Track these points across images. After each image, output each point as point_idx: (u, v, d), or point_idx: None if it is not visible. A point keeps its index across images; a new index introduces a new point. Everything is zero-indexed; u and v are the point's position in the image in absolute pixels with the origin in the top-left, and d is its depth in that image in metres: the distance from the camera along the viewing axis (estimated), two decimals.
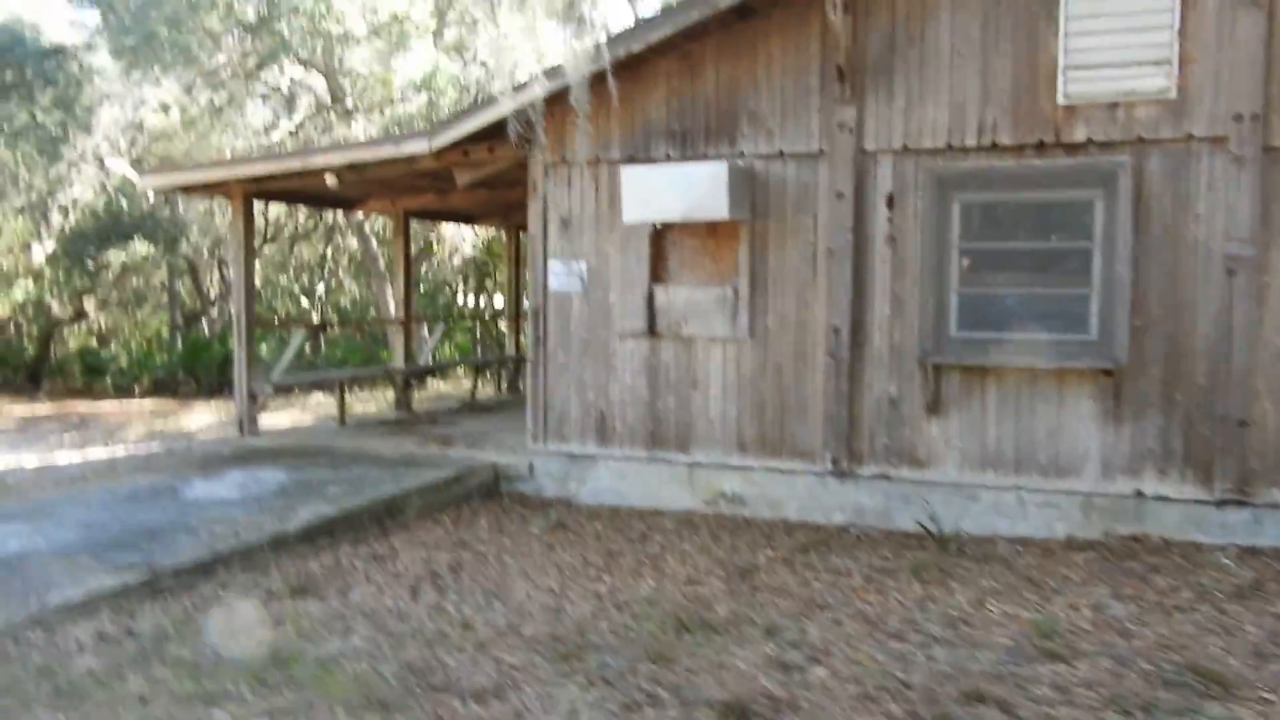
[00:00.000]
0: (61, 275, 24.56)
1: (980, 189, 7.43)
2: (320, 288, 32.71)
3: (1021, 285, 7.35)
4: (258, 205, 24.39)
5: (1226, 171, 6.81)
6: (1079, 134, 7.13)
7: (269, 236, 29.79)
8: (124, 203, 24.29)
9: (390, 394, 18.61)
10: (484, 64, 17.52)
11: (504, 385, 15.17)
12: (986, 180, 7.40)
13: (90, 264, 22.95)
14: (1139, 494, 7.12)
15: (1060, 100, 7.14)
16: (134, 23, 16.13)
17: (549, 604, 5.93)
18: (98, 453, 13.48)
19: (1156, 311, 7.00)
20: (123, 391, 24.07)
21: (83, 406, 21.42)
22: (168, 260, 23.83)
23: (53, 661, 4.77)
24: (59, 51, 22.23)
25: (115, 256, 22.68)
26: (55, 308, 26.40)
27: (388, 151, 8.87)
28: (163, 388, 24.06)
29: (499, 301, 28.88)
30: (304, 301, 32.86)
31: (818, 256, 7.95)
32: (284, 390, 10.58)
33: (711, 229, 8.29)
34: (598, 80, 7.97)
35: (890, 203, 7.70)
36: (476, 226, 16.78)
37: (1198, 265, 6.93)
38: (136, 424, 17.50)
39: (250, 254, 10.15)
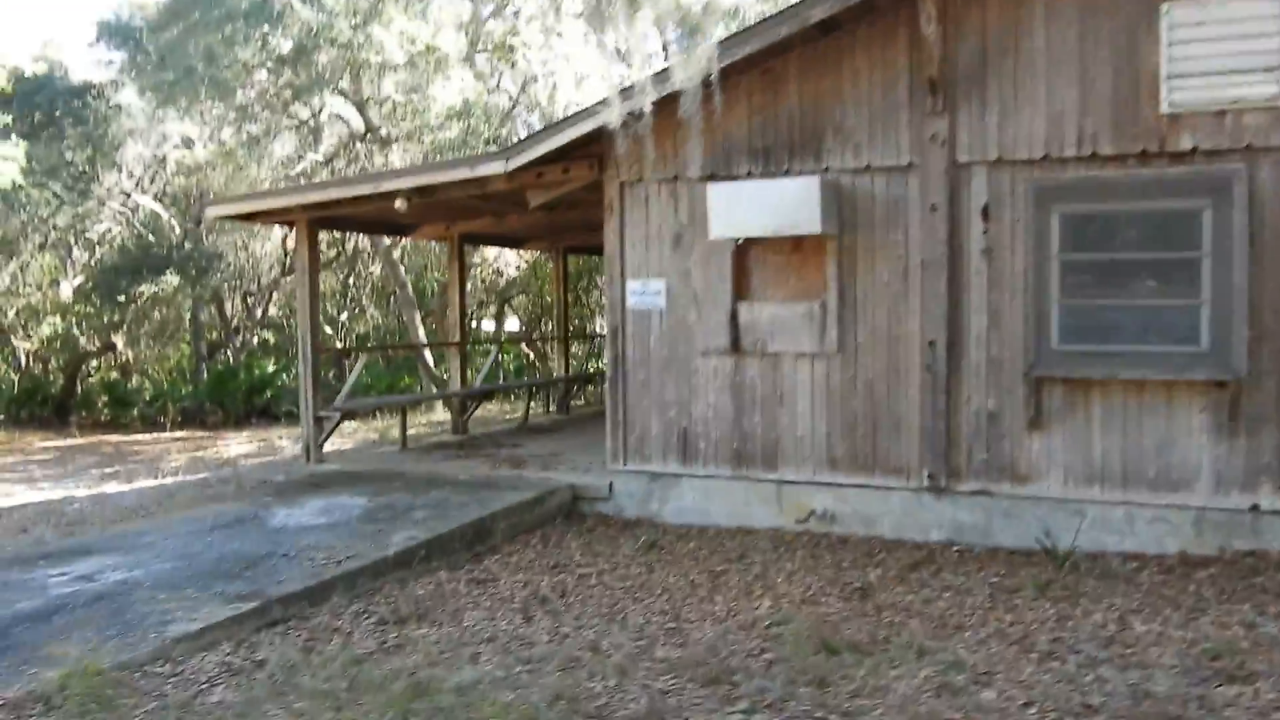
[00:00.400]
0: (91, 310, 24.53)
1: (1080, 200, 7.30)
2: (344, 315, 32.70)
3: (1126, 297, 7.20)
4: (279, 233, 24.52)
5: None
6: (1185, 142, 6.99)
7: (287, 268, 29.79)
8: (150, 236, 24.34)
9: (430, 417, 18.57)
10: (517, 92, 17.53)
11: (553, 406, 15.02)
12: (1087, 191, 7.27)
13: (122, 298, 22.88)
14: (1255, 509, 6.93)
15: (1164, 109, 7.01)
16: (169, 59, 16.12)
17: (670, 626, 5.76)
18: (147, 483, 13.35)
19: (1271, 322, 6.84)
20: (150, 423, 23.99)
21: (114, 438, 21.32)
22: (194, 292, 23.76)
23: (185, 695, 4.61)
24: (87, 89, 22.33)
25: (146, 289, 22.61)
26: (83, 342, 26.36)
27: (462, 173, 8.77)
28: (190, 418, 23.97)
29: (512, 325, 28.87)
30: (327, 329, 32.80)
31: (909, 270, 7.82)
32: (349, 415, 10.40)
33: (796, 244, 8.16)
34: (672, 100, 7.85)
35: (985, 215, 7.57)
36: (522, 250, 16.65)
37: None
38: (174, 454, 17.35)
39: (315, 280, 10.05)
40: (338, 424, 10.28)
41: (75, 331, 25.56)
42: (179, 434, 21.67)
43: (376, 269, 28.22)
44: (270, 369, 29.95)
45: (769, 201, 7.69)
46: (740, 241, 8.24)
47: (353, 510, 7.97)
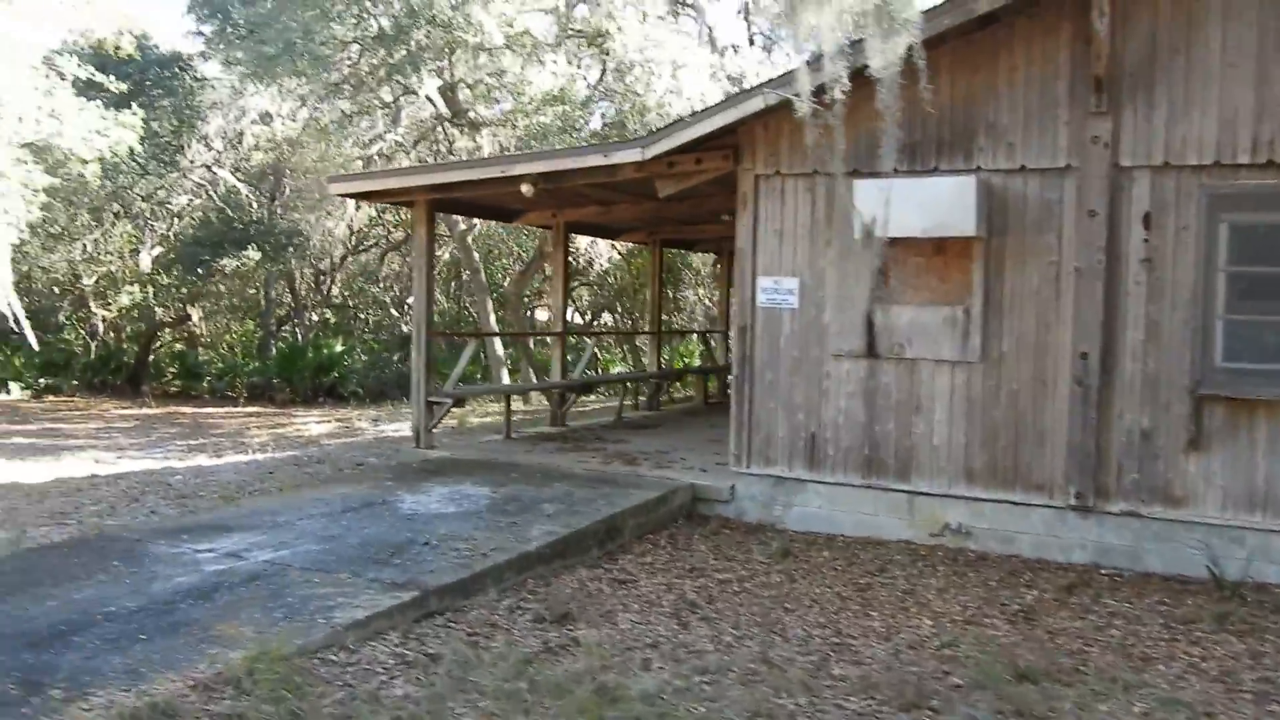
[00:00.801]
0: (169, 281, 24.77)
1: (1254, 209, 6.97)
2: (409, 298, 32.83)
3: None
4: (352, 212, 24.57)
5: None
6: None
7: (355, 247, 29.96)
8: (229, 211, 24.55)
9: (520, 405, 18.54)
10: (600, 78, 17.33)
11: (642, 401, 14.85)
12: (1262, 200, 6.94)
13: (202, 270, 23.08)
14: None
15: None
16: (260, 32, 16.10)
17: (834, 641, 5.56)
18: (238, 458, 13.41)
19: None
20: (220, 396, 24.26)
21: (187, 409, 21.56)
22: (265, 268, 23.90)
23: (370, 687, 4.49)
24: (176, 60, 22.52)
25: (229, 263, 22.76)
26: (159, 312, 26.67)
27: (595, 160, 8.61)
28: (257, 393, 24.18)
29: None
30: (394, 312, 32.95)
31: (1061, 277, 7.53)
32: (460, 401, 10.29)
33: (939, 246, 7.90)
34: (818, 92, 7.61)
35: (1147, 222, 7.26)
36: (616, 241, 16.48)
37: None
38: (253, 429, 17.46)
39: (430, 263, 9.95)
40: (448, 410, 10.16)
41: (151, 302, 25.80)
42: (250, 409, 21.89)
43: (445, 253, 28.26)
44: (338, 348, 30.19)
45: (921, 201, 7.45)
46: (885, 241, 7.99)
47: (479, 500, 7.85)
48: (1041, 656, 5.24)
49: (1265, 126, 6.93)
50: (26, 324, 11.92)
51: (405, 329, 32.98)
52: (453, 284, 31.90)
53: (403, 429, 18.02)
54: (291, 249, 23.62)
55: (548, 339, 12.69)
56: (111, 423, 18.46)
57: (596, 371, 22.65)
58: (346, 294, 33.18)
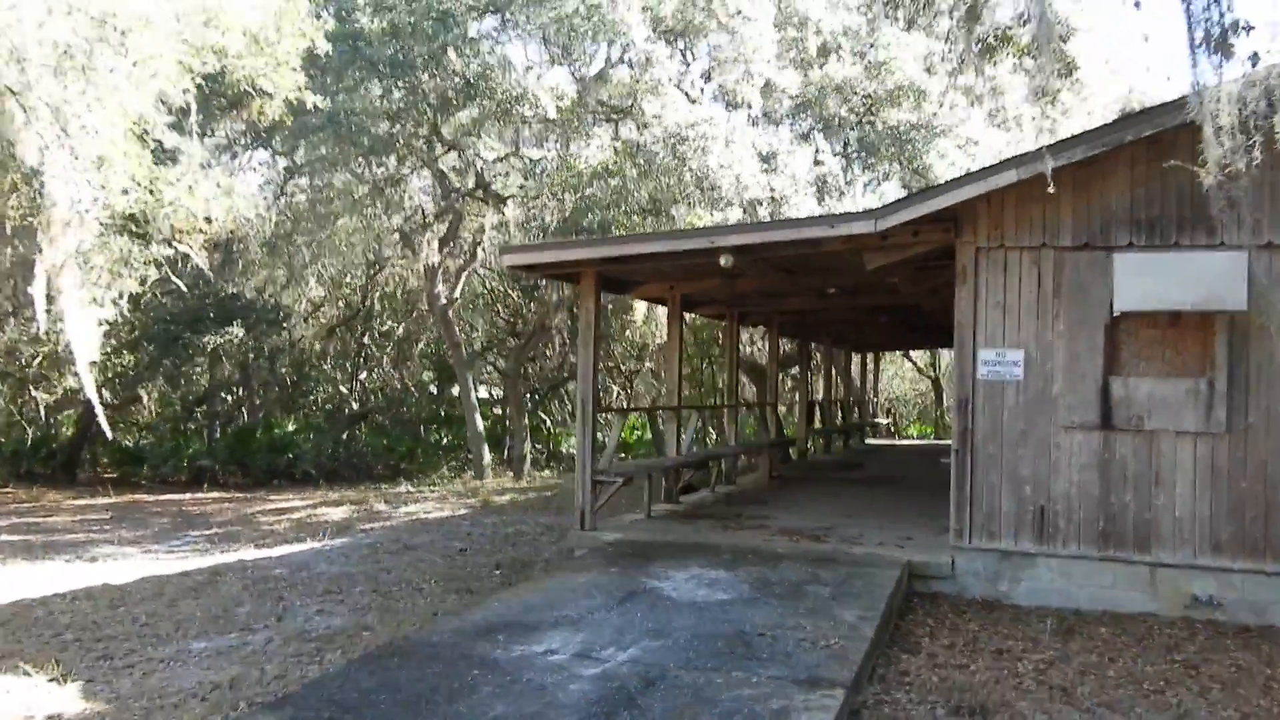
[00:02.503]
0: (138, 359, 23.23)
1: None
2: (364, 373, 31.77)
3: None
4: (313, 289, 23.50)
5: None
6: None
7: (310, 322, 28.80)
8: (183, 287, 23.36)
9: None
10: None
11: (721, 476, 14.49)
12: None
13: (180, 349, 21.65)
14: None
15: None
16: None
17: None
18: (309, 545, 12.51)
19: None
20: (163, 481, 22.88)
21: (147, 497, 20.22)
22: (258, 344, 22.67)
23: None
24: None
25: (211, 340, 21.40)
26: (106, 395, 25.01)
27: (818, 232, 8.41)
28: (202, 477, 22.84)
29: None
30: (343, 389, 31.77)
31: None
32: (625, 479, 9.78)
33: (1174, 319, 7.96)
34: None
35: None
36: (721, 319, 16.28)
37: None
38: (258, 517, 16.40)
39: (597, 338, 9.52)
40: (616, 489, 9.63)
41: (98, 383, 24.12)
42: (212, 494, 20.69)
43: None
44: (290, 428, 28.85)
45: (1190, 275, 7.49)
46: (1117, 314, 8.00)
47: (737, 585, 7.40)
48: None
49: None
50: None
51: (355, 406, 31.86)
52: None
53: (431, 509, 17.23)
54: (280, 325, 22.51)
55: (660, 414, 12.20)
56: (81, 515, 17.04)
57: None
58: (291, 373, 31.80)
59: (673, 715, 4.71)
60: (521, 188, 17.42)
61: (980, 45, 23.53)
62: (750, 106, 19.09)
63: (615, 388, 34.52)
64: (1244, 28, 5.63)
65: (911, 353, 37.24)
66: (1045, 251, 8.31)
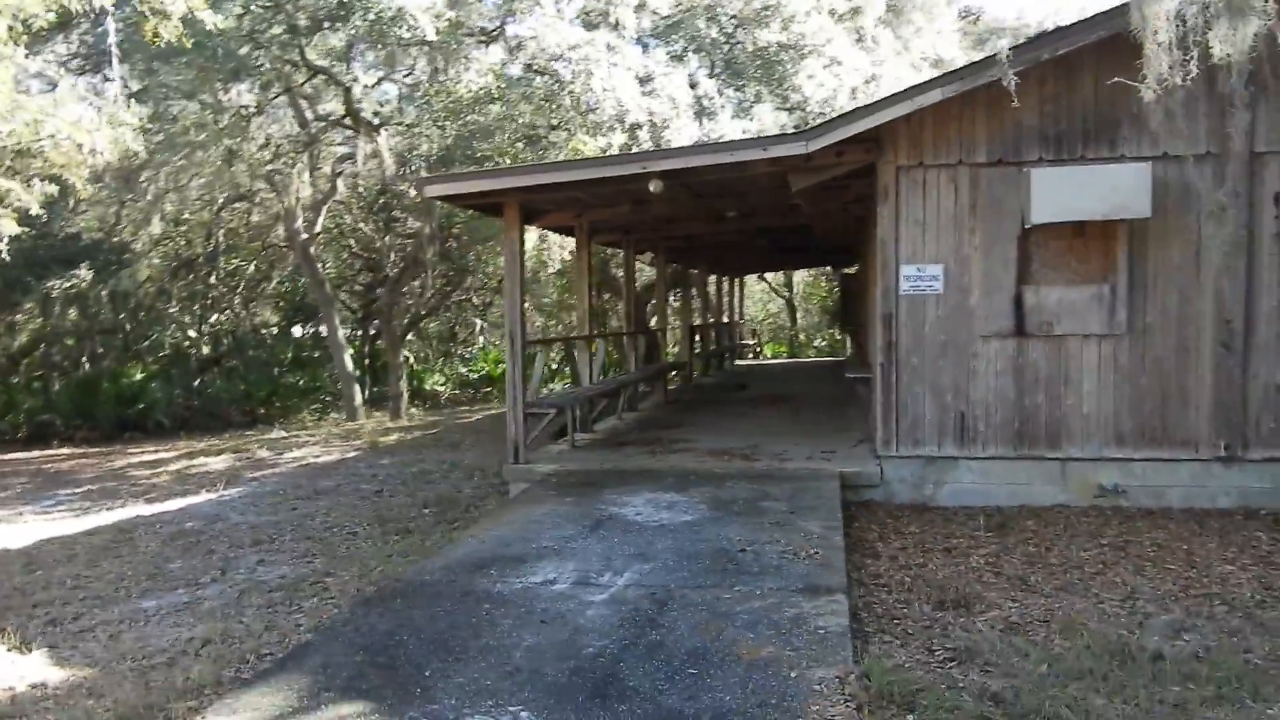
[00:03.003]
0: None
1: None
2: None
3: None
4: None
5: None
6: None
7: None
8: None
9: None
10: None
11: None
12: None
13: (25, 294, 20.08)
14: None
15: None
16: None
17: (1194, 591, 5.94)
18: (209, 496, 12.08)
19: None
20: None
21: None
22: (108, 286, 21.17)
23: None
24: None
25: (57, 285, 19.87)
26: None
27: (752, 154, 8.50)
28: (44, 433, 21.65)
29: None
30: (191, 333, 30.25)
31: (1200, 253, 8.31)
32: (558, 410, 9.77)
33: (1079, 229, 8.49)
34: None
35: (1278, 201, 8.18)
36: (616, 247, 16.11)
37: None
38: (133, 472, 15.66)
39: (522, 270, 9.40)
40: (550, 419, 9.63)
41: None
42: (65, 450, 19.62)
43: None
44: (137, 376, 27.41)
45: (1099, 187, 7.98)
46: (1028, 226, 8.47)
47: (695, 506, 7.58)
48: None
49: None
50: None
51: (205, 351, 30.44)
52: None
53: (319, 453, 16.78)
54: (121, 267, 21.06)
55: (576, 343, 12.19)
56: None
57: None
58: (134, 318, 30.02)
59: (699, 630, 4.86)
60: (396, 115, 16.78)
61: None
62: (622, 27, 18.81)
63: (479, 321, 34.15)
64: None
65: (766, 275, 38.13)
66: (961, 169, 8.67)
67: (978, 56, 32.06)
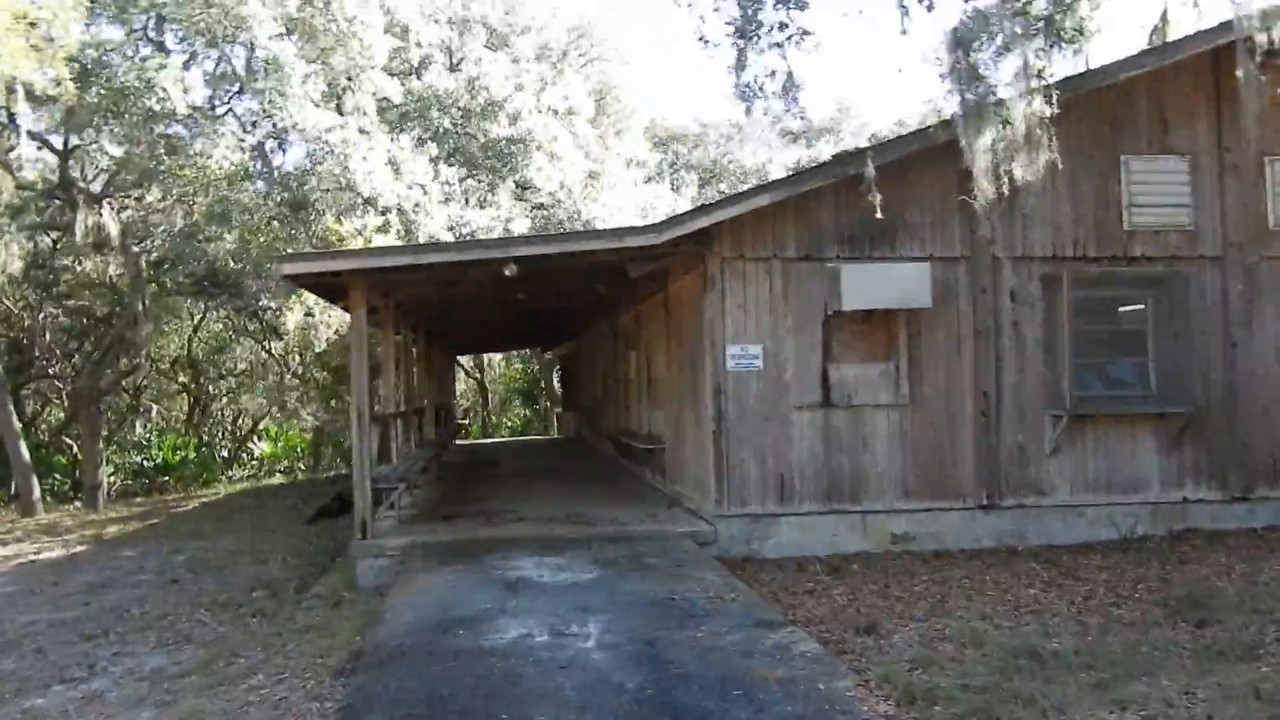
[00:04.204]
0: None
1: (1076, 287, 10.26)
2: None
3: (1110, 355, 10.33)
4: None
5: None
6: (1136, 250, 10.35)
7: None
8: None
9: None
10: None
11: None
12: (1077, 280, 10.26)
13: None
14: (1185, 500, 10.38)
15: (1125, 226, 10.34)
16: None
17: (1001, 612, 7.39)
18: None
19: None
20: None
21: None
22: None
23: None
24: None
25: None
26: None
27: (608, 243, 9.33)
28: None
29: None
30: None
31: (961, 337, 10.19)
32: (406, 484, 9.82)
33: (868, 316, 10.10)
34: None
35: (1013, 296, 10.25)
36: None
37: None
38: None
39: (365, 346, 9.53)
40: (401, 492, 9.68)
41: None
42: None
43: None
44: None
45: (892, 281, 9.61)
46: (830, 313, 9.95)
47: (587, 566, 8.10)
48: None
49: (1080, 231, 10.29)
50: None
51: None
52: None
53: (29, 550, 15.14)
54: None
55: (393, 420, 12.14)
56: None
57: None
58: None
59: (707, 661, 5.47)
60: (138, 188, 15.83)
61: (552, 70, 25.53)
62: (365, 113, 19.02)
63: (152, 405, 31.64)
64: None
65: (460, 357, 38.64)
66: (775, 262, 10.03)
67: (658, 158, 34.63)
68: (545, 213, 21.01)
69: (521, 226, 19.49)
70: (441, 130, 21.25)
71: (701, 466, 10.41)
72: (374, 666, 5.64)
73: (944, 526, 10.10)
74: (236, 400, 35.68)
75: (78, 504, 21.65)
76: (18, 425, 22.43)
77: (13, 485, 23.24)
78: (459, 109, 21.83)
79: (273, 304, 18.80)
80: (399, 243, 16.15)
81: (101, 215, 16.48)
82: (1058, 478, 10.26)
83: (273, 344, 32.22)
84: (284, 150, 17.90)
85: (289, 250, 16.39)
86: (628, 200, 23.89)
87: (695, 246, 9.88)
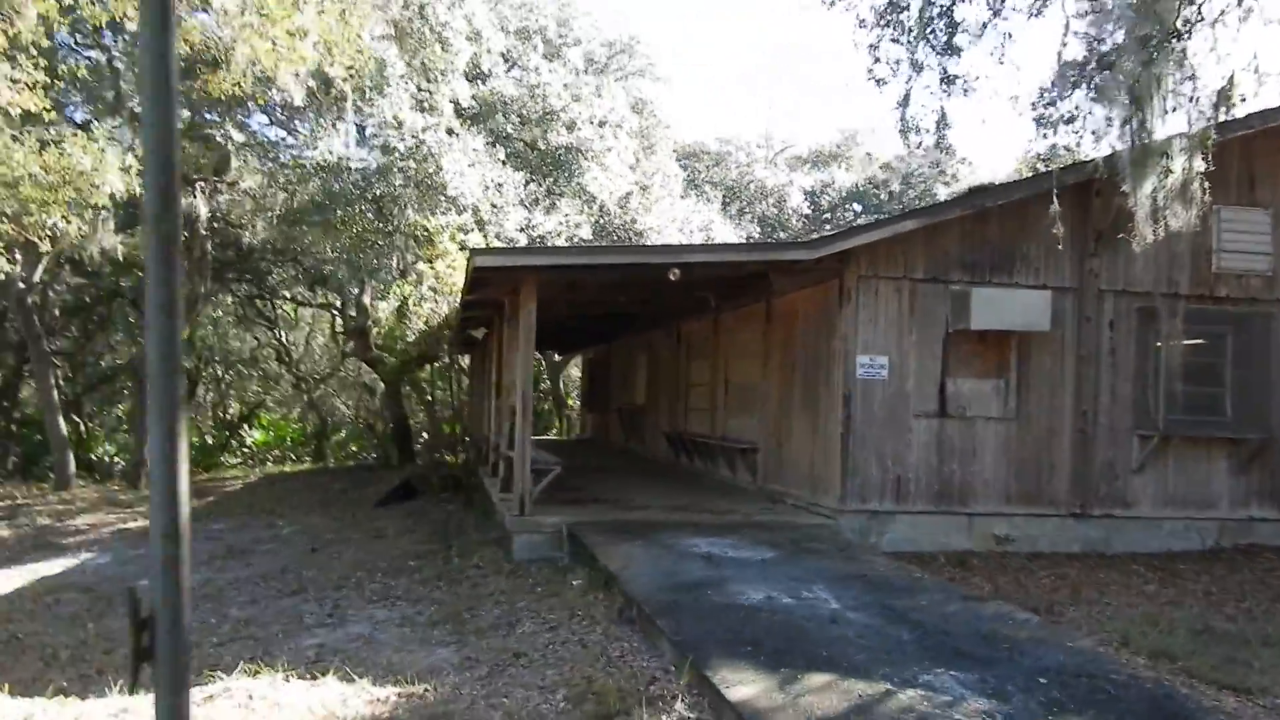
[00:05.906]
0: None
1: (1169, 320, 11.34)
2: None
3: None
4: None
5: None
6: (1222, 290, 11.47)
7: None
8: None
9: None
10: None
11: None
12: (1170, 314, 11.34)
13: None
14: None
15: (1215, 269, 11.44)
16: None
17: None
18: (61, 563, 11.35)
19: None
20: None
21: None
22: None
23: None
24: None
25: None
26: None
27: (772, 255, 10.22)
28: None
29: None
30: None
31: (1065, 360, 11.20)
32: (557, 467, 10.61)
33: (983, 336, 11.08)
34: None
35: (1111, 325, 11.30)
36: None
37: None
38: None
39: (532, 339, 10.31)
40: (555, 475, 10.44)
41: None
42: None
43: None
44: None
45: (1017, 305, 10.59)
46: (951, 331, 10.91)
47: (759, 548, 8.92)
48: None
49: (1175, 272, 11.37)
50: None
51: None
52: None
53: (113, 518, 15.65)
54: None
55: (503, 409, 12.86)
56: None
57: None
58: None
59: (946, 621, 6.35)
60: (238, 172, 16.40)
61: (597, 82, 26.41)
62: (441, 113, 19.73)
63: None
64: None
65: None
66: (904, 282, 10.97)
67: (679, 169, 35.44)
68: (603, 221, 21.83)
69: (586, 233, 20.28)
70: (504, 135, 22.02)
71: (819, 466, 11.29)
72: (659, 615, 6.43)
73: (1039, 531, 11.08)
74: (240, 388, 36.07)
75: (96, 480, 22.09)
76: (56, 400, 22.80)
77: (49, 460, 23.56)
78: (519, 116, 22.62)
79: (366, 296, 19.47)
80: (498, 244, 16.88)
81: (195, 198, 17.02)
82: (1141, 492, 11.30)
83: (283, 333, 32.60)
84: (365, 147, 18.53)
85: (378, 243, 17.08)
86: (668, 213, 24.83)
87: (836, 264, 10.80)
